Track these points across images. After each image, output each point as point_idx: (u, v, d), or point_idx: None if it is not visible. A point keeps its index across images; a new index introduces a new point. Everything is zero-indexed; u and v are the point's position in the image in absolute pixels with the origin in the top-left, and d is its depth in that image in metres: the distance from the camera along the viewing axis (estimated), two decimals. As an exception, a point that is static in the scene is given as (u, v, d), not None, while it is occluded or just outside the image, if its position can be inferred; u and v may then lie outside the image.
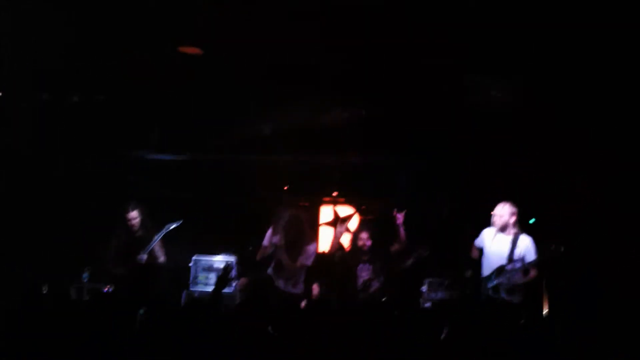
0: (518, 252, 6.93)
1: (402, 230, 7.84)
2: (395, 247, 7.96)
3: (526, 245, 6.96)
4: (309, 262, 7.44)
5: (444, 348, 4.67)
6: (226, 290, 9.03)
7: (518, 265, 6.87)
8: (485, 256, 7.08)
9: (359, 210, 10.59)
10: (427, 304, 8.81)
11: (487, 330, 5.51)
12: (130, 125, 8.28)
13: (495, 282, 6.89)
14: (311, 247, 7.56)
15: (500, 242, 7.02)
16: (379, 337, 4.59)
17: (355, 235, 8.28)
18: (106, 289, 8.35)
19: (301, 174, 9.89)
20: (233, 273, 9.21)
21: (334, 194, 10.62)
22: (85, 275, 8.64)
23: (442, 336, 5.14)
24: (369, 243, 8.01)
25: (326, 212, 10.67)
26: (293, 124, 8.42)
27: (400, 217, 7.76)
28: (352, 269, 7.93)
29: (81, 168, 8.84)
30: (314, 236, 7.95)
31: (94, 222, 8.78)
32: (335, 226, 10.52)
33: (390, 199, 9.93)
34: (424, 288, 9.08)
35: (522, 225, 7.10)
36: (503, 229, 7.01)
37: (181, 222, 7.60)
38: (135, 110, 7.88)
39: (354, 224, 10.54)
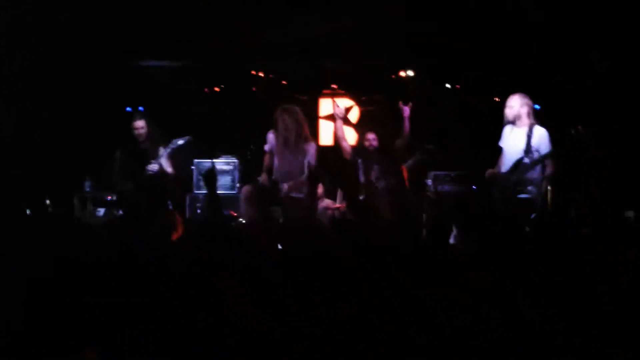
0: (533, 143, 6.80)
1: (407, 124, 7.68)
2: (399, 141, 7.82)
3: (540, 136, 6.84)
4: (312, 159, 7.11)
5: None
6: (230, 191, 9.04)
7: (535, 157, 6.77)
8: (504, 152, 6.97)
9: (359, 102, 10.47)
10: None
11: (504, 226, 5.50)
12: (130, 32, 7.98)
13: (515, 176, 6.81)
14: (312, 143, 7.23)
15: (516, 135, 6.89)
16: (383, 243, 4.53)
17: (361, 136, 8.13)
18: (109, 197, 8.35)
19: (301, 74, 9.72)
20: (236, 175, 9.18)
21: (333, 86, 10.44)
22: (88, 183, 8.59)
23: (451, 239, 5.10)
24: (375, 144, 7.88)
25: (325, 105, 10.53)
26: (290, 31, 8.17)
27: (406, 110, 7.59)
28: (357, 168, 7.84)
29: (80, 76, 8.59)
30: (313, 131, 7.64)
31: (94, 132, 8.65)
32: (335, 119, 10.51)
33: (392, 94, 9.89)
34: (429, 181, 9.06)
35: (536, 117, 6.94)
36: (515, 121, 6.88)
37: (188, 138, 7.43)
38: (136, 16, 7.58)
39: (354, 116, 10.48)
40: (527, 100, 6.87)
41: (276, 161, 7.24)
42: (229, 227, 5.70)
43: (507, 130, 6.95)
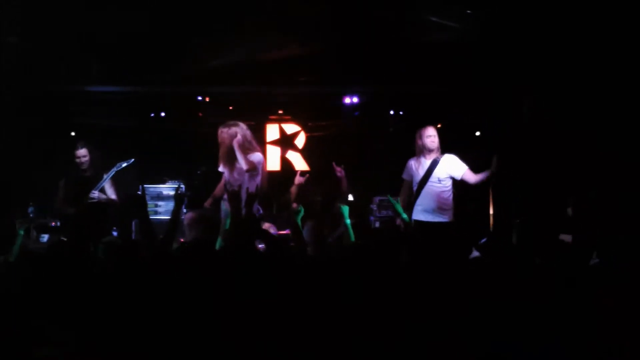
0: (448, 170, 7.16)
1: (344, 183, 7.54)
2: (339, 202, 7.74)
3: (452, 161, 7.19)
4: (244, 176, 6.94)
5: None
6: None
7: (446, 182, 7.16)
8: (415, 182, 7.27)
9: (305, 127, 10.57)
10: (377, 223, 8.97)
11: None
12: (73, 58, 7.99)
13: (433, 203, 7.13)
14: (254, 154, 7.03)
15: (425, 165, 7.22)
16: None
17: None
18: (53, 223, 8.27)
19: (248, 100, 9.78)
20: (184, 200, 9.15)
21: (280, 112, 10.52)
22: (31, 209, 8.50)
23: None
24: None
25: (272, 131, 10.60)
26: (239, 57, 8.25)
27: (340, 171, 7.52)
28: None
29: (22, 102, 8.52)
30: (248, 150, 7.04)
31: (37, 157, 8.59)
32: (282, 144, 10.58)
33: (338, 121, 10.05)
34: (374, 206, 9.23)
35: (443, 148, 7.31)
36: (430, 151, 7.15)
37: (132, 160, 7.40)
38: (76, 42, 7.58)
39: (301, 141, 10.58)
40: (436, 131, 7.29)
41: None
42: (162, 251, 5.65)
43: (413, 161, 7.28)
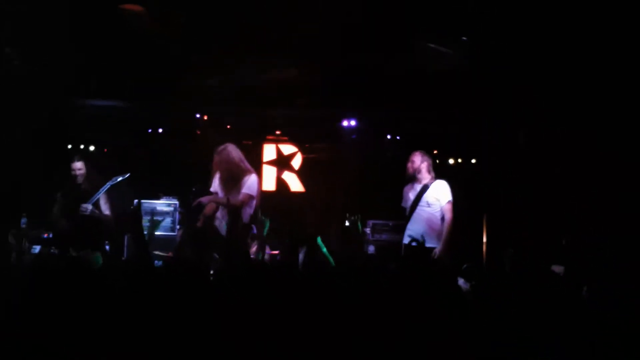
0: (434, 195, 7.18)
1: None
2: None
3: (440, 187, 7.21)
4: (248, 190, 6.95)
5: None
6: (169, 233, 9.02)
7: (433, 208, 7.15)
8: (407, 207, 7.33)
9: (302, 149, 10.60)
10: (371, 247, 8.93)
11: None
12: (72, 72, 8.03)
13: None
14: (249, 176, 7.05)
15: (416, 190, 7.27)
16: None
17: None
18: (46, 235, 8.24)
19: (246, 119, 9.83)
20: (177, 217, 9.16)
21: (277, 132, 10.55)
22: (24, 220, 8.46)
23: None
24: None
25: (269, 151, 10.63)
26: (239, 77, 8.31)
27: None
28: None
29: (17, 114, 8.52)
30: (245, 172, 7.07)
31: (31, 169, 8.59)
32: (278, 165, 10.61)
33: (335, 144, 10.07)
34: (368, 230, 9.19)
35: (437, 173, 7.35)
36: (414, 177, 7.17)
37: (128, 175, 7.40)
38: (76, 56, 7.62)
39: (297, 162, 10.61)
40: (427, 157, 7.33)
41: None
42: (153, 267, 5.64)
43: (409, 188, 7.34)
